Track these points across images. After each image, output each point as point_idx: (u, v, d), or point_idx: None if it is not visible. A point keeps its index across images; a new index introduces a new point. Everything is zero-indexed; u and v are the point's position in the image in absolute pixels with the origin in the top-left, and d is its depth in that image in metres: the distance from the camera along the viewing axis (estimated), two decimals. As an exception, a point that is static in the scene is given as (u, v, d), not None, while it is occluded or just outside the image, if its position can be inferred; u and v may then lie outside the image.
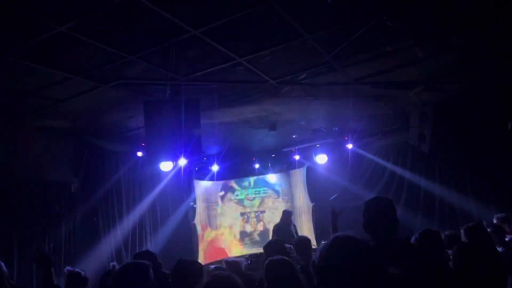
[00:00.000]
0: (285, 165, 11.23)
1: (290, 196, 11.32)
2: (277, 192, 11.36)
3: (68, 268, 4.57)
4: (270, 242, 4.93)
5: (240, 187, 11.40)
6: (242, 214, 11.30)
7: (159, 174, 9.49)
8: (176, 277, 3.60)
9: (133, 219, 9.01)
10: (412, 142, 7.58)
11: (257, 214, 11.29)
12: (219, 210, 11.20)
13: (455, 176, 8.58)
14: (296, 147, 10.36)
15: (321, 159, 10.00)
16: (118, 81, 5.43)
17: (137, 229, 9.11)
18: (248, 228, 11.23)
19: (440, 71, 5.95)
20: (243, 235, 11.19)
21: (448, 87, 6.37)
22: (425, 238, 3.43)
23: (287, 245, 4.66)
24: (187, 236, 10.28)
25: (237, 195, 11.36)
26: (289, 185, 11.36)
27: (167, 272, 4.14)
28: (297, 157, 10.58)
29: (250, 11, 3.96)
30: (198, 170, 10.90)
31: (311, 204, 10.81)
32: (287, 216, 8.52)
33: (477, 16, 4.42)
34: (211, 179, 10.97)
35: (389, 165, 9.61)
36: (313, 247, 5.52)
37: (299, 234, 8.63)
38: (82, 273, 4.37)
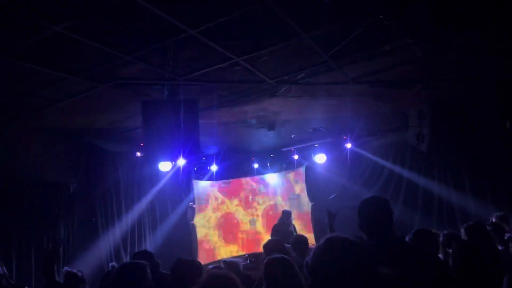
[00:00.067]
0: (284, 165, 11.24)
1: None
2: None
3: (66, 268, 4.59)
4: (270, 241, 4.94)
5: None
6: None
7: (157, 174, 9.50)
8: (175, 276, 3.61)
9: (132, 219, 9.03)
10: (410, 141, 7.58)
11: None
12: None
13: (454, 175, 8.59)
14: (295, 147, 10.37)
15: (320, 158, 10.01)
16: (115, 81, 5.43)
17: (136, 229, 9.13)
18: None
19: (440, 70, 5.95)
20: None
21: (447, 86, 6.37)
22: (418, 236, 3.44)
23: (286, 245, 4.67)
24: (186, 236, 10.29)
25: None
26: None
27: (165, 272, 4.16)
28: (296, 157, 10.59)
29: (247, 11, 3.95)
30: (197, 170, 10.90)
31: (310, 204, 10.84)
32: (286, 216, 8.51)
33: (477, 16, 4.42)
34: (210, 179, 10.97)
35: (388, 164, 9.63)
36: (313, 246, 5.51)
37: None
38: (79, 274, 4.39)
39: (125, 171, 8.97)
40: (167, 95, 5.52)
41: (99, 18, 3.94)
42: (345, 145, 9.36)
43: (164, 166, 8.57)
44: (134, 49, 4.64)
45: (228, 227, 10.93)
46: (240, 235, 10.97)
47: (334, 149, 9.82)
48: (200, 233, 10.64)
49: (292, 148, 10.44)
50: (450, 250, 3.47)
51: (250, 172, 11.24)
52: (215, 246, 10.80)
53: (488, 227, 4.61)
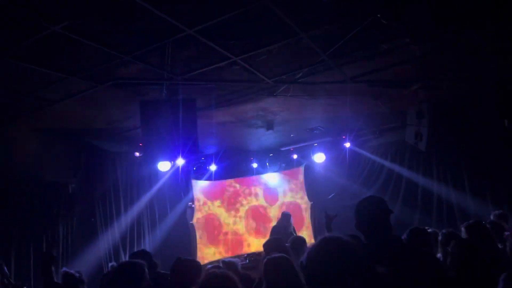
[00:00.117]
0: (283, 164, 11.24)
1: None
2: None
3: (65, 269, 4.59)
4: (270, 240, 4.93)
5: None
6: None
7: (156, 174, 9.49)
8: (175, 276, 3.61)
9: (131, 218, 9.02)
10: (409, 140, 7.59)
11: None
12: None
13: (453, 175, 8.60)
14: (294, 146, 10.37)
15: (319, 157, 10.01)
16: (114, 81, 5.43)
17: (135, 229, 9.12)
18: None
19: (439, 70, 5.95)
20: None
21: (447, 86, 6.38)
22: (413, 236, 3.43)
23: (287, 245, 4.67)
24: (185, 235, 10.28)
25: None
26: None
27: (163, 271, 4.16)
28: (295, 156, 10.59)
29: (245, 10, 3.96)
30: (196, 170, 10.90)
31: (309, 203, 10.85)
32: (286, 218, 8.49)
33: (477, 16, 4.42)
34: (209, 178, 10.97)
35: (387, 163, 9.63)
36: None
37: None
38: (76, 275, 4.37)
39: (124, 171, 8.97)
40: (166, 94, 5.52)
41: (98, 18, 3.95)
42: (344, 144, 9.36)
43: (163, 166, 8.56)
44: (133, 49, 4.64)
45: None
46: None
47: (333, 149, 9.82)
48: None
49: (291, 147, 10.45)
50: (449, 249, 3.47)
51: (249, 172, 11.23)
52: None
53: (487, 226, 4.62)
